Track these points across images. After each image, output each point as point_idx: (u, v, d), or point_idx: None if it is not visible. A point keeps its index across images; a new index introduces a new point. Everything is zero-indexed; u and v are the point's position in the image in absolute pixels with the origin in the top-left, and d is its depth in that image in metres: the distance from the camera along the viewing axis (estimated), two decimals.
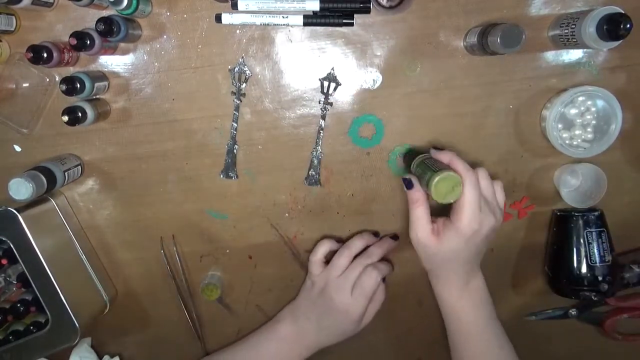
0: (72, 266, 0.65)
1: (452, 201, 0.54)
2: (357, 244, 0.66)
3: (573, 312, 0.71)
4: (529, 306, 0.72)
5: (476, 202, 0.54)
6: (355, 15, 0.60)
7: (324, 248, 0.67)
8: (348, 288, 0.64)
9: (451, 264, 0.58)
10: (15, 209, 0.59)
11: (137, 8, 0.56)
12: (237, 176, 0.67)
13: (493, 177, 0.66)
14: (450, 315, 0.61)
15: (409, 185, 0.57)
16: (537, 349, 0.74)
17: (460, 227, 0.54)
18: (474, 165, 0.56)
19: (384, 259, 0.68)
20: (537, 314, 0.72)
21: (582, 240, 0.64)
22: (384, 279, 0.67)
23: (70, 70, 0.62)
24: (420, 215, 0.57)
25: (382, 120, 0.65)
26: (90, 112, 0.60)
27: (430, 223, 0.57)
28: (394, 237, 0.68)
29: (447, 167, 0.54)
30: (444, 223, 0.57)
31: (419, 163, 0.59)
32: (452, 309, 0.60)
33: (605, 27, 0.53)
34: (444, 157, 0.56)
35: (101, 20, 0.55)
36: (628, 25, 0.52)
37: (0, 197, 0.62)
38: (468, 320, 0.60)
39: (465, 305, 0.60)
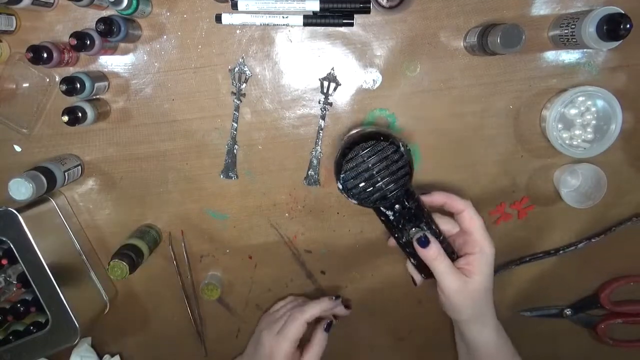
0: (72, 266, 0.65)
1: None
2: (294, 300, 0.69)
3: (568, 311, 0.71)
4: (525, 302, 0.72)
5: (483, 224, 0.55)
6: (355, 16, 0.61)
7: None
8: (274, 327, 0.63)
9: (487, 294, 0.56)
10: (15, 209, 0.59)
11: (137, 8, 0.56)
12: (237, 176, 0.67)
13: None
14: (486, 352, 0.58)
15: (423, 243, 0.53)
16: (527, 346, 0.74)
17: (485, 251, 0.54)
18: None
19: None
20: (532, 310, 0.72)
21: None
22: (328, 328, 0.65)
23: (70, 71, 0.62)
24: (445, 268, 0.53)
25: (394, 114, 0.65)
26: (90, 112, 0.60)
27: (456, 268, 0.54)
28: (336, 297, 0.67)
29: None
30: (465, 259, 0.55)
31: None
32: (489, 346, 0.58)
33: (605, 27, 0.53)
34: (438, 198, 0.56)
35: (101, 20, 0.55)
36: (628, 25, 0.52)
37: (0, 197, 0.62)
38: (502, 351, 0.59)
39: (502, 339, 0.58)
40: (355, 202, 0.53)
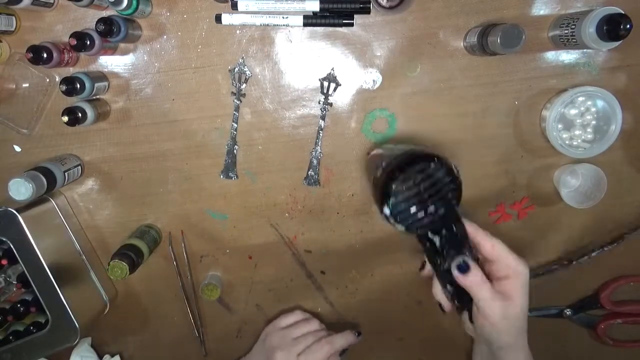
0: (72, 266, 0.65)
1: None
2: (316, 323, 0.69)
3: (568, 312, 0.71)
4: None
5: (506, 247, 0.50)
6: (355, 16, 0.61)
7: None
8: (293, 349, 0.64)
9: (526, 317, 0.51)
10: (15, 209, 0.59)
11: (137, 8, 0.56)
12: (237, 176, 0.67)
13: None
14: None
15: (463, 269, 0.48)
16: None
17: (520, 272, 0.49)
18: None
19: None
20: (532, 310, 0.72)
21: None
22: (342, 354, 0.67)
23: (70, 71, 0.62)
24: (489, 294, 0.48)
25: (394, 114, 0.65)
26: (90, 113, 0.60)
27: (498, 293, 0.49)
28: (358, 333, 0.69)
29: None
30: (499, 284, 0.50)
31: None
32: None
33: (605, 27, 0.53)
34: (470, 228, 0.51)
35: (101, 20, 0.55)
36: (628, 26, 0.52)
37: (0, 197, 0.62)
38: None
39: None
40: (403, 228, 0.48)
